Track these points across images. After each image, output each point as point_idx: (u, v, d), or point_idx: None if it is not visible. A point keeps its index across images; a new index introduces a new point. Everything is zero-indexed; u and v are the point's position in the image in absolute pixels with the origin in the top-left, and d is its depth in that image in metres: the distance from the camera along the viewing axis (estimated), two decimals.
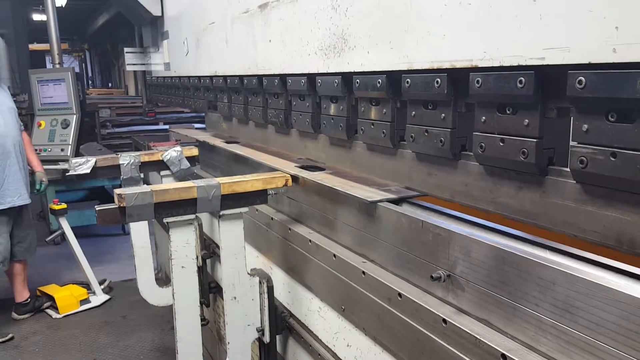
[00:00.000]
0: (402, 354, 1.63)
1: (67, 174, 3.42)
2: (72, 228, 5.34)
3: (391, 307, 1.65)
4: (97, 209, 2.08)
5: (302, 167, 2.47)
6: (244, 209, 2.34)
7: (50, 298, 5.12)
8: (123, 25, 15.94)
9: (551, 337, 1.20)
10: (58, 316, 5.01)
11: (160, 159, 3.52)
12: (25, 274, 5.04)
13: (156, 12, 4.71)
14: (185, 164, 3.58)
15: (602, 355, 1.08)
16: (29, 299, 5.04)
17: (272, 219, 2.55)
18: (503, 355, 1.24)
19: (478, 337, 1.32)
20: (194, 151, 3.76)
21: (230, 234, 2.34)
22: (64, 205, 5.28)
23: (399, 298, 1.61)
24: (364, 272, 1.80)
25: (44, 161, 5.38)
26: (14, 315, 4.99)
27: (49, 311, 5.09)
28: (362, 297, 1.81)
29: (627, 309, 1.04)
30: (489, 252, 1.36)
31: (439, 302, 1.53)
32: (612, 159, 1.05)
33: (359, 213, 1.94)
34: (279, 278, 2.50)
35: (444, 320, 1.43)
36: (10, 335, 4.62)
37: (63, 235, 5.35)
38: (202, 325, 2.40)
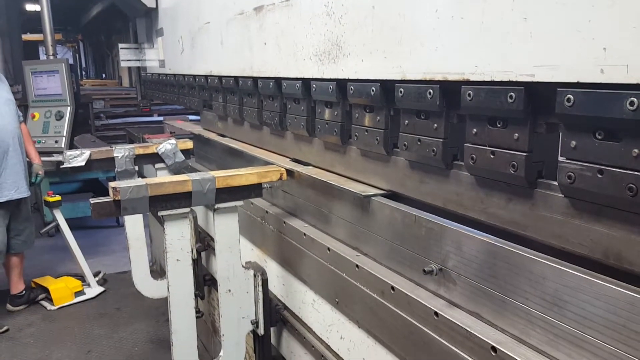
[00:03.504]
0: (395, 346, 1.66)
1: (61, 166, 3.42)
2: (67, 220, 5.33)
3: (384, 300, 1.67)
4: (92, 202, 2.09)
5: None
6: (239, 203, 2.35)
7: (45, 290, 5.12)
8: (117, 16, 15.82)
9: (540, 330, 1.22)
10: (53, 308, 5.02)
11: (155, 151, 3.53)
12: (21, 267, 5.04)
13: (150, 3, 4.68)
14: (180, 157, 3.59)
15: (590, 348, 1.11)
16: (24, 291, 5.05)
17: (266, 212, 2.57)
18: (493, 348, 1.26)
19: (469, 329, 1.34)
20: (189, 144, 3.77)
21: (225, 227, 2.35)
22: (58, 198, 5.27)
23: (392, 291, 1.63)
24: (357, 266, 1.82)
25: (38, 153, 5.36)
26: (9, 307, 5.00)
27: (44, 303, 5.09)
28: (355, 290, 1.83)
29: (614, 303, 1.06)
30: (480, 246, 1.38)
31: (431, 295, 1.55)
32: (599, 176, 1.07)
33: (353, 207, 1.96)
34: (274, 271, 2.52)
35: (436, 313, 1.45)
36: (5, 328, 4.62)
37: (57, 227, 5.35)
38: (196, 317, 2.42)
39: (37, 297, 5.12)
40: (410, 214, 1.64)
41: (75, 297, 5.17)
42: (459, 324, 1.37)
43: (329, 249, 2.01)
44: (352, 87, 1.85)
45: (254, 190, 2.38)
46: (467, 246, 1.42)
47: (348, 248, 1.98)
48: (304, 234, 2.19)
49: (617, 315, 1.05)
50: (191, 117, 7.39)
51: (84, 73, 27.07)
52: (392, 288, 1.63)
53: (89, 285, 5.34)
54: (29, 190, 4.85)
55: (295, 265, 2.31)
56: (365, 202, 1.86)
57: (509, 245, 1.32)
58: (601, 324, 1.09)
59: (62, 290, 5.10)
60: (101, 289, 5.36)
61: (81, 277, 5.38)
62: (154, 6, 4.69)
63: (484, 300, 1.38)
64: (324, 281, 2.07)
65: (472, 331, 1.33)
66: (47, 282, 5.20)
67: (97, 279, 5.45)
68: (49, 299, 5.07)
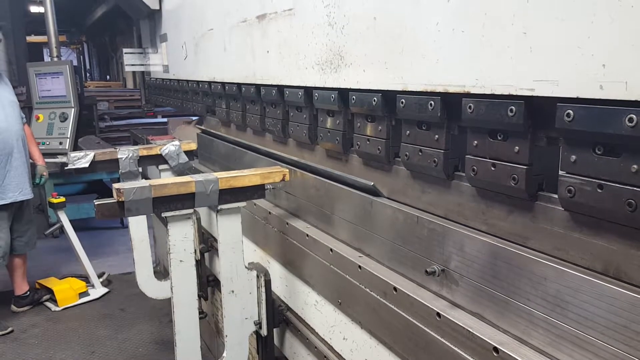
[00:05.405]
0: (397, 346, 1.66)
1: (65, 168, 3.44)
2: (71, 221, 5.35)
3: (387, 300, 1.68)
4: (96, 203, 2.10)
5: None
6: (242, 204, 2.36)
7: (49, 291, 5.13)
8: (121, 17, 15.89)
9: (542, 331, 1.23)
10: (57, 309, 5.03)
11: (159, 153, 3.54)
12: (25, 268, 5.06)
13: (154, 5, 4.70)
14: (184, 158, 3.60)
15: (591, 348, 1.11)
16: (28, 292, 5.06)
17: (269, 213, 2.57)
18: (495, 349, 1.27)
19: (471, 330, 1.34)
20: (192, 145, 3.78)
21: (228, 228, 2.36)
22: (62, 199, 5.29)
23: (394, 292, 1.64)
24: (360, 267, 1.83)
25: (42, 154, 5.38)
26: (13, 308, 5.01)
27: (48, 304, 5.11)
28: (358, 291, 1.84)
29: (615, 303, 1.06)
30: (482, 247, 1.39)
31: (433, 296, 1.56)
32: (599, 191, 1.08)
33: (356, 208, 1.96)
34: (277, 272, 2.53)
35: (438, 314, 1.45)
36: (9, 329, 4.63)
37: (62, 229, 5.37)
38: (200, 318, 2.43)
39: (42, 298, 5.13)
40: (413, 214, 1.65)
41: (80, 298, 5.18)
42: (461, 324, 1.37)
43: (331, 249, 2.01)
44: (353, 96, 1.85)
45: (257, 191, 2.38)
46: (469, 247, 1.43)
47: (350, 249, 1.99)
48: (307, 235, 2.20)
49: (619, 316, 1.06)
50: (194, 117, 7.39)
51: (88, 75, 27.18)
52: (395, 289, 1.64)
53: (93, 286, 5.35)
54: (33, 192, 4.87)
55: (298, 266, 2.32)
56: (367, 202, 1.87)
57: (510, 246, 1.32)
58: (603, 325, 1.09)
59: (66, 291, 5.11)
60: (105, 290, 5.37)
61: (85, 278, 5.39)
62: (157, 8, 4.71)
63: (486, 301, 1.38)
64: (326, 282, 2.08)
65: (474, 332, 1.33)
66: (51, 283, 5.21)
67: (101, 280, 5.46)
68: (53, 300, 5.09)
